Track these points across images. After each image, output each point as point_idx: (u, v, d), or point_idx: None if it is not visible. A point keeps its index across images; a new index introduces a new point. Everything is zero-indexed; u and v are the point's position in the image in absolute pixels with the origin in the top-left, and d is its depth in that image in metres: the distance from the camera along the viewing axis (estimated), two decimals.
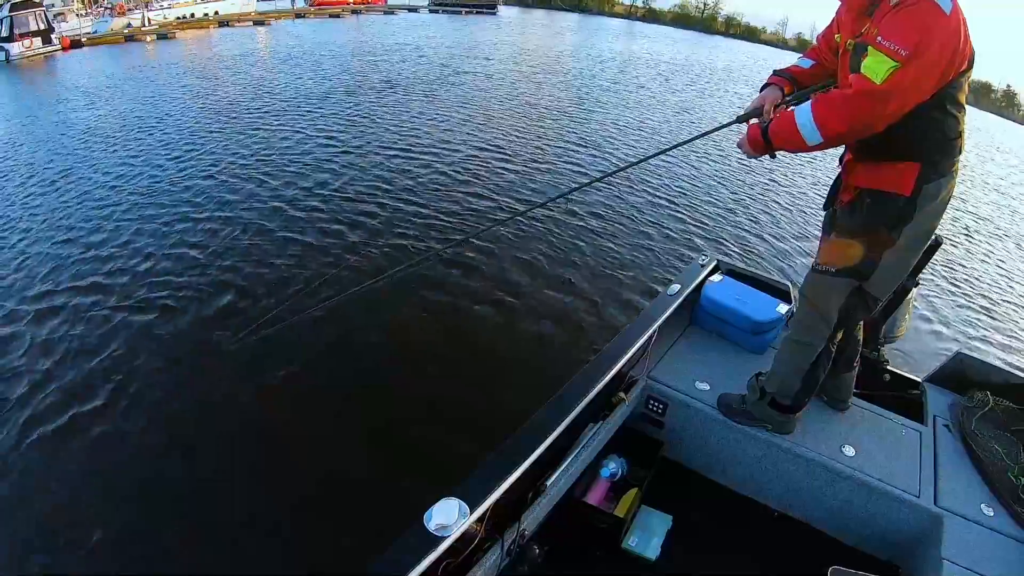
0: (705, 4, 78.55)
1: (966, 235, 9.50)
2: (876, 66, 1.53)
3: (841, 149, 1.94)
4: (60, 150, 9.00)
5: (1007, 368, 2.55)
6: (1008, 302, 6.99)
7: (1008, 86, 66.23)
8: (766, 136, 1.78)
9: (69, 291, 4.99)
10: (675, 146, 2.64)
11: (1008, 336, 5.92)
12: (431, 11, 47.10)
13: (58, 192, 7.25)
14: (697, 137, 2.48)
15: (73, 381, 3.95)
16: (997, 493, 1.96)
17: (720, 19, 78.64)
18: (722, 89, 21.46)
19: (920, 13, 1.52)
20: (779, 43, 76.69)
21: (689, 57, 33.24)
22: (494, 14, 48.01)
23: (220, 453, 3.43)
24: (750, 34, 77.57)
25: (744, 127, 1.97)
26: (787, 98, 2.00)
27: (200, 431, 3.59)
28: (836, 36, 1.91)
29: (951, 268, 7.46)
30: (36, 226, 6.32)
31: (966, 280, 7.28)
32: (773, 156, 1.86)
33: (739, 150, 1.91)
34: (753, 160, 1.94)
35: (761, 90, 2.06)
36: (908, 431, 2.24)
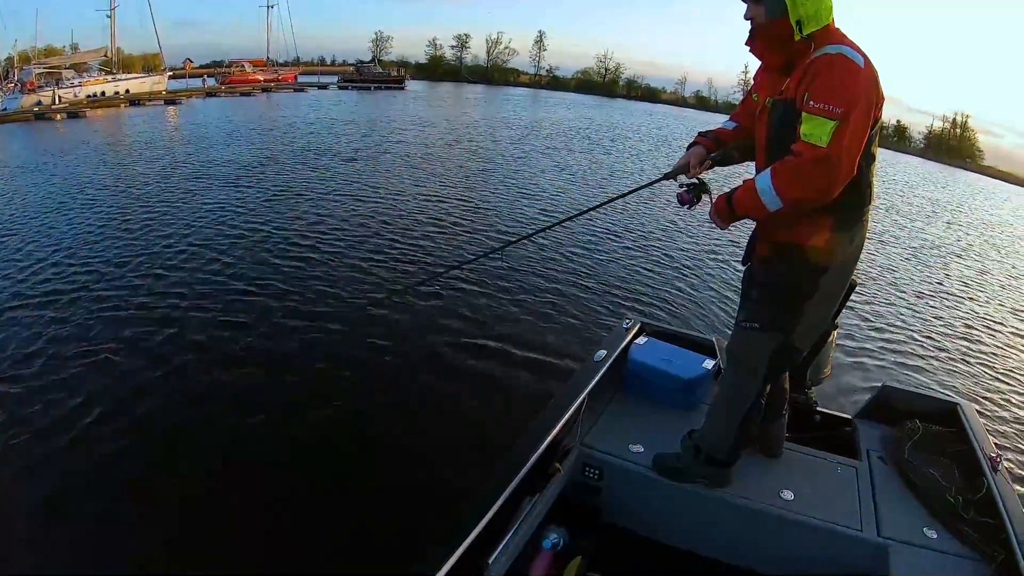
0: (606, 70, 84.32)
1: (880, 269, 9.78)
2: (817, 130, 1.59)
3: None
4: None
5: (932, 393, 2.64)
6: (924, 326, 7.26)
7: (898, 121, 72.63)
8: (730, 204, 1.83)
9: None
10: (597, 206, 2.77)
11: (928, 362, 6.11)
12: (340, 87, 49.01)
13: None
14: (621, 196, 2.55)
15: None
16: (937, 515, 2.00)
17: (621, 83, 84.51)
18: (626, 149, 22.65)
19: (840, 70, 1.62)
20: (679, 102, 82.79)
21: (593, 119, 35.05)
22: (402, 89, 50.30)
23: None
24: (651, 95, 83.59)
25: (673, 183, 2.13)
26: (712, 155, 2.07)
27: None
28: (753, 96, 2.00)
29: (866, 303, 7.59)
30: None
31: (879, 313, 7.41)
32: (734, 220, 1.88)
33: (710, 220, 1.95)
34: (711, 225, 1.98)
35: (688, 149, 2.14)
36: (843, 468, 2.27)
